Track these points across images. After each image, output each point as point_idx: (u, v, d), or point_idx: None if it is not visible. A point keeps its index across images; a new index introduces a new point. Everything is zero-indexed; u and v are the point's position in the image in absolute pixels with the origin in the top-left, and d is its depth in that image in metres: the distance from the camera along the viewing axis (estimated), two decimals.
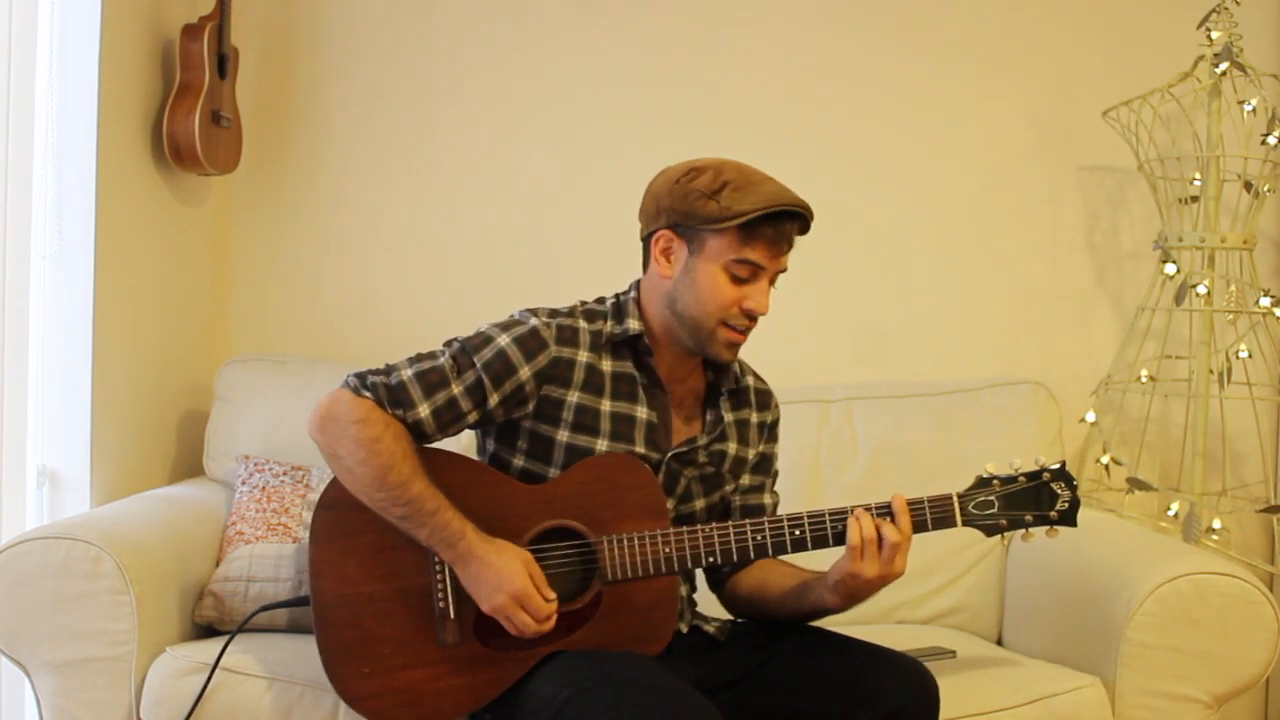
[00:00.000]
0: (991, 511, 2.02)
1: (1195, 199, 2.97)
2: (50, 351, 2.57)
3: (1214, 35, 2.90)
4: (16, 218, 2.50)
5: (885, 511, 1.97)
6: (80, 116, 2.54)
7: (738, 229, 1.95)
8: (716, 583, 2.19)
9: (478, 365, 1.98)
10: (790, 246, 2.01)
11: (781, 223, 1.97)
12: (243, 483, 2.64)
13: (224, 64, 2.85)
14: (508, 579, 1.90)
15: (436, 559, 1.96)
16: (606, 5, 3.15)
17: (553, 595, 1.93)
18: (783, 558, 2.07)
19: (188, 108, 2.76)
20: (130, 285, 2.72)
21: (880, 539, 1.93)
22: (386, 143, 3.16)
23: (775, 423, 2.23)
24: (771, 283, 2.02)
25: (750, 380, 2.21)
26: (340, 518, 1.99)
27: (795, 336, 3.03)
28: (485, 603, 1.92)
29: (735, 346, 2.04)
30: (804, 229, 2.01)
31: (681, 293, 2.01)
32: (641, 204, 2.07)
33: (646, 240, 2.06)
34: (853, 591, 1.97)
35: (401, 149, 3.15)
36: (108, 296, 2.61)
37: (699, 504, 2.13)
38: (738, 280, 1.98)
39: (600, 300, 2.13)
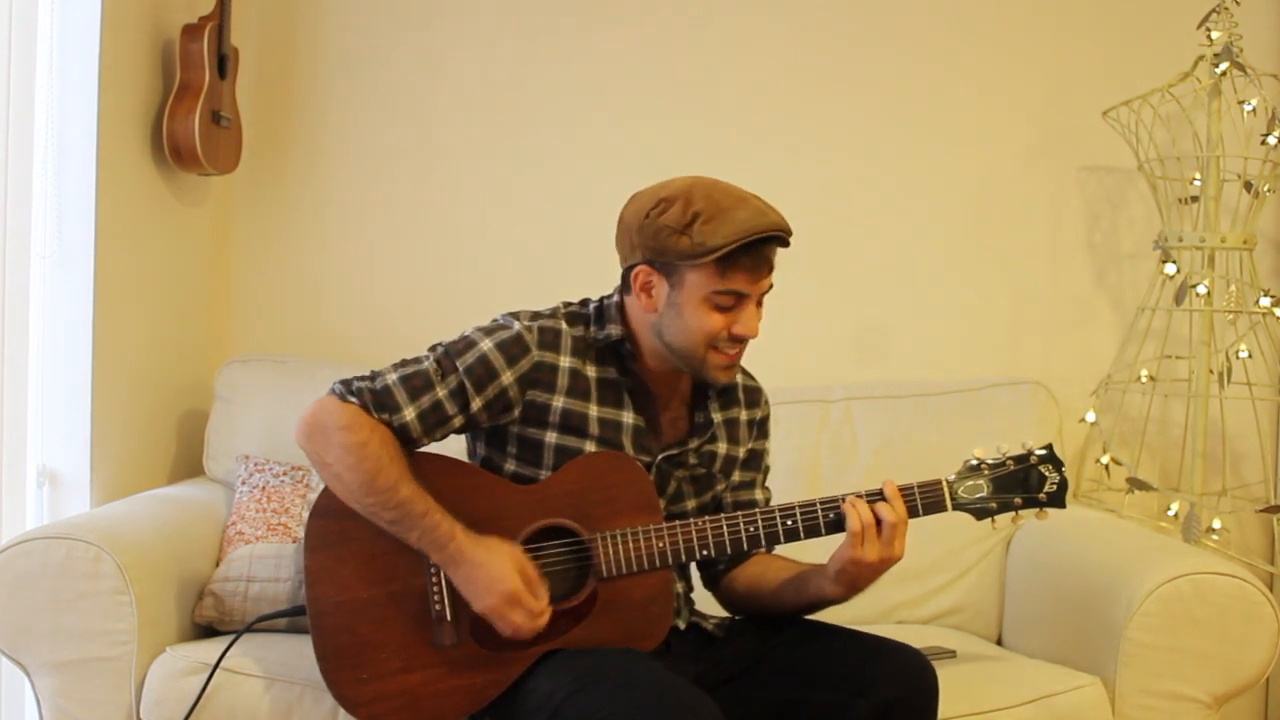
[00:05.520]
0: (981, 495, 2.03)
1: (1195, 199, 2.97)
2: (50, 351, 2.57)
3: (1214, 35, 2.90)
4: (16, 218, 2.50)
5: (877, 497, 1.98)
6: (80, 116, 2.54)
7: (714, 263, 1.91)
8: (712, 579, 2.19)
9: (460, 369, 1.98)
10: (771, 268, 1.97)
11: (759, 249, 1.93)
12: (243, 483, 2.64)
13: (224, 64, 2.85)
14: (498, 579, 1.89)
15: (431, 561, 1.96)
16: (605, 9, 3.15)
17: (544, 593, 1.93)
18: (777, 551, 2.08)
19: (188, 108, 2.76)
20: (130, 285, 2.72)
21: (879, 522, 1.95)
22: (386, 143, 3.15)
23: (765, 419, 2.22)
24: (758, 303, 2.00)
25: (739, 378, 2.19)
26: (333, 525, 1.98)
27: (795, 336, 3.02)
28: (477, 603, 1.92)
29: (731, 368, 2.03)
30: (784, 244, 1.96)
31: (667, 325, 1.99)
32: (616, 233, 2.03)
33: (626, 271, 2.03)
34: (854, 579, 1.98)
35: (401, 149, 3.15)
36: (108, 296, 2.61)
37: (690, 504, 2.12)
38: (722, 309, 1.95)
39: (583, 302, 2.11)
